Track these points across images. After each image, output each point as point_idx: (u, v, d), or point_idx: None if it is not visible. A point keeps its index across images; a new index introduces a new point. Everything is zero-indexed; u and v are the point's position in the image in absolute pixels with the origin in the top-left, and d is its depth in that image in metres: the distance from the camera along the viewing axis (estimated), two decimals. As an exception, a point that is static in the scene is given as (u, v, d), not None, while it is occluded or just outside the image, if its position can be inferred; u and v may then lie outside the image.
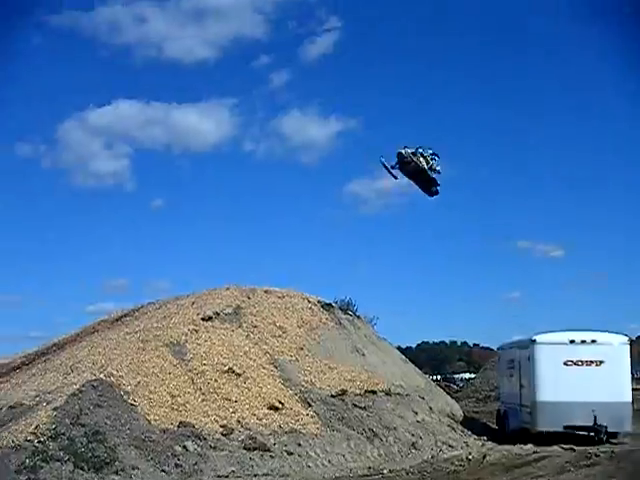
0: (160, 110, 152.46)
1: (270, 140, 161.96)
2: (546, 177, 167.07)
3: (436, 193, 25.31)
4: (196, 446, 16.56)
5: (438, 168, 24.73)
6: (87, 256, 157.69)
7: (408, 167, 23.82)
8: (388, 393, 22.99)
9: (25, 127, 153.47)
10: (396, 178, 24.45)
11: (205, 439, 16.97)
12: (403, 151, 23.90)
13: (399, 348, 36.12)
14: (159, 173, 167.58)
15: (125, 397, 17.56)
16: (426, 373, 40.72)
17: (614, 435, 22.25)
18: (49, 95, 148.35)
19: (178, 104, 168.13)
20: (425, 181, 24.67)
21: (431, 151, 24.28)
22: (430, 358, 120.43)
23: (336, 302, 28.72)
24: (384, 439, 20.34)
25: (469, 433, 24.32)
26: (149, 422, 16.90)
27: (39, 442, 14.78)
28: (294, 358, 22.75)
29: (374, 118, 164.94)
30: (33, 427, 15.22)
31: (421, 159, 24.06)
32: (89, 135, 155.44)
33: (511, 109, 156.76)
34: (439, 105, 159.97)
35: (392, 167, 24.07)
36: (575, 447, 20.42)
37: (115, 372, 18.51)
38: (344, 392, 21.73)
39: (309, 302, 26.95)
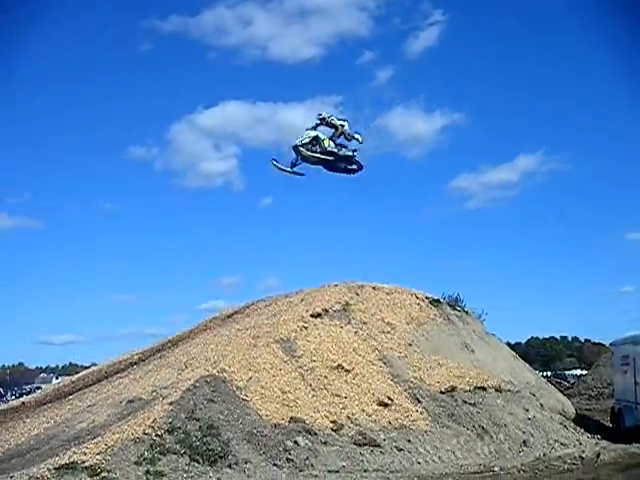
0: (266, 109, 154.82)
1: (375, 136, 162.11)
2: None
3: (359, 169, 24.75)
4: (307, 441, 16.80)
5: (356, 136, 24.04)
6: (199, 256, 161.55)
7: (313, 159, 23.26)
8: (498, 389, 22.75)
9: (138, 131, 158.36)
10: (302, 174, 23.85)
11: (316, 434, 17.19)
12: (301, 147, 23.20)
13: (508, 344, 35.70)
14: (267, 172, 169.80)
15: (237, 392, 17.93)
16: (536, 369, 40.07)
17: None
18: (160, 99, 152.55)
19: (284, 103, 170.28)
20: (339, 162, 24.07)
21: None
22: (540, 354, 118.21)
23: (444, 298, 28.56)
24: (494, 436, 20.18)
25: (582, 431, 23.83)
26: (261, 417, 17.22)
27: (157, 435, 15.27)
28: (403, 354, 22.77)
29: (479, 112, 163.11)
30: (151, 421, 15.74)
31: (325, 143, 23.44)
32: (198, 136, 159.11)
33: (622, 98, 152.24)
34: (545, 97, 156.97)
35: (294, 164, 23.46)
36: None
37: (227, 368, 18.91)
38: (453, 388, 21.63)
39: (417, 298, 26.89)
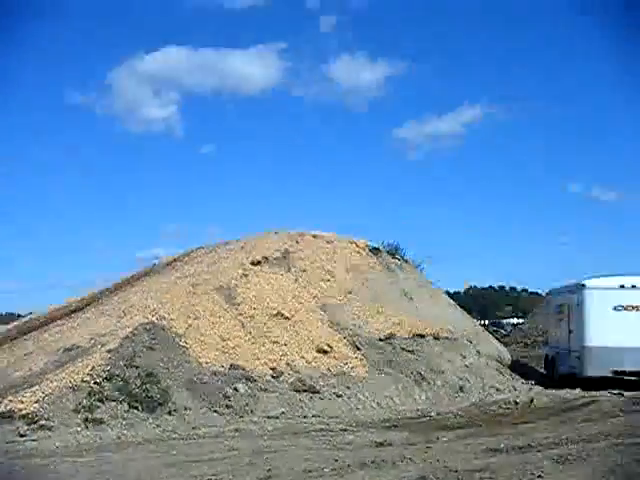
0: (209, 56, 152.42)
1: (319, 85, 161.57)
2: (601, 120, 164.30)
3: None
4: (247, 388, 16.88)
5: None
6: (139, 203, 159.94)
7: None
8: (436, 337, 23.03)
9: (77, 75, 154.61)
10: None
11: (255, 381, 17.27)
12: None
13: (447, 293, 36.08)
14: (208, 119, 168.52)
15: (177, 340, 17.89)
16: (474, 318, 40.62)
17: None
18: (100, 43, 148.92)
19: (227, 49, 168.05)
20: None
21: None
22: (478, 303, 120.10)
23: (384, 246, 28.61)
24: (432, 382, 20.49)
25: (517, 377, 24.33)
26: (200, 364, 17.22)
27: (95, 383, 15.20)
28: (342, 302, 22.88)
29: (424, 61, 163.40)
30: (89, 369, 15.63)
31: None
32: (139, 82, 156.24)
33: (563, 47, 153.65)
34: (488, 47, 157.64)
35: None
36: (624, 392, 20.36)
37: (167, 315, 18.83)
38: (392, 336, 21.81)
39: (357, 246, 26.95)
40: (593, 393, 20.49)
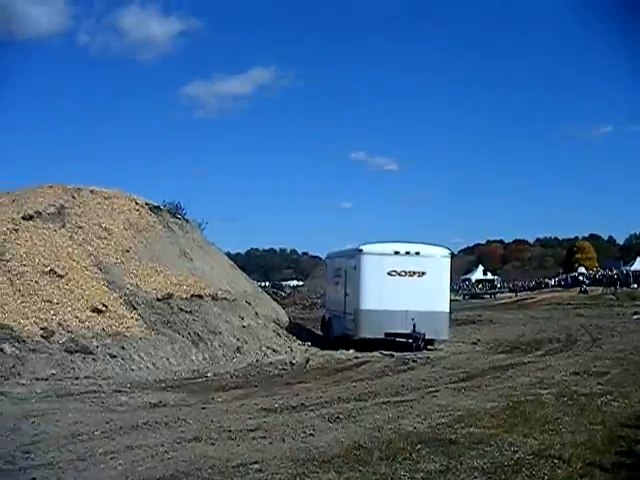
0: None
1: (107, 34, 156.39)
2: (387, 89, 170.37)
3: None
4: (14, 349, 15.95)
5: None
6: None
7: None
8: (215, 298, 22.94)
9: None
10: None
11: (24, 342, 16.36)
12: None
13: (228, 254, 36.16)
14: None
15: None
16: (255, 280, 41.03)
17: (431, 342, 23.21)
18: None
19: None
20: None
21: None
22: (259, 265, 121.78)
23: (165, 205, 28.14)
24: (209, 343, 20.38)
25: (294, 339, 24.72)
26: (-37, 324, 16.15)
27: None
28: (120, 261, 22.19)
29: (218, 19, 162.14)
30: None
31: None
32: None
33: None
34: (281, 10, 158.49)
35: None
36: (394, 353, 21.18)
37: None
38: (170, 296, 21.49)
39: (137, 204, 26.21)
40: (366, 354, 21.19)
